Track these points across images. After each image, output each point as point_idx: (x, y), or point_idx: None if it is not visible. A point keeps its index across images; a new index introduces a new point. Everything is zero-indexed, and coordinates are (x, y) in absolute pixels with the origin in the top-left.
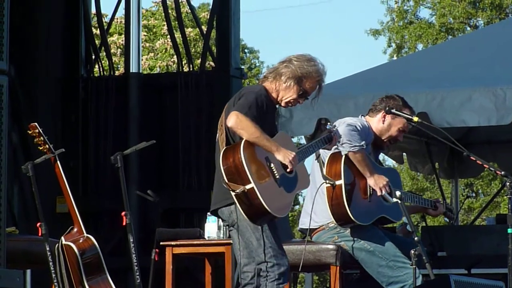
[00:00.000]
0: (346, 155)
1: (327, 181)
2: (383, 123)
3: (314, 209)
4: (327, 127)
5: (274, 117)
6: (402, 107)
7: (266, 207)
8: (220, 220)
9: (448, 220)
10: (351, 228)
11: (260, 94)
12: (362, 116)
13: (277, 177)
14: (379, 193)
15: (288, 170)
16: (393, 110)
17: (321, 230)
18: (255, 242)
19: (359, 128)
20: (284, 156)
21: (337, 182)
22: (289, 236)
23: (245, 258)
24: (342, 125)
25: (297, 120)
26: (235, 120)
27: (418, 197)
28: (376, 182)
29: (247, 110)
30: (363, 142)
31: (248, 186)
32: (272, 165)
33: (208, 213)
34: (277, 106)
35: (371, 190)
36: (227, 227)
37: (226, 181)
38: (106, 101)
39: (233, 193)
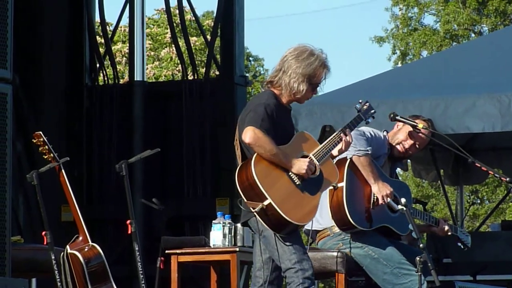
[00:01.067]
0: (351, 159)
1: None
2: (396, 129)
3: (320, 211)
4: (356, 106)
5: (289, 119)
6: (420, 121)
7: (288, 219)
8: (225, 228)
9: (462, 247)
10: (355, 235)
11: (268, 103)
12: (385, 131)
13: (298, 183)
14: (381, 201)
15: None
16: (398, 117)
17: (326, 236)
18: (280, 249)
19: (369, 135)
20: (299, 168)
21: (339, 185)
22: None
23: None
24: (354, 130)
25: (302, 128)
26: (252, 137)
27: (420, 212)
28: (379, 190)
29: (260, 123)
30: (369, 148)
31: (266, 202)
32: (291, 173)
33: (214, 221)
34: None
35: (375, 198)
36: (253, 234)
37: (245, 200)
38: (110, 109)
39: (253, 211)
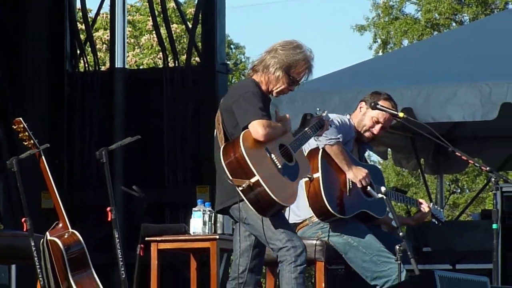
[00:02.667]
0: (324, 149)
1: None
2: (360, 112)
3: (296, 203)
4: (317, 114)
5: (268, 107)
6: (381, 99)
7: (274, 197)
8: (205, 216)
9: (437, 222)
10: (333, 223)
11: (255, 91)
12: (348, 115)
13: (279, 167)
14: (359, 185)
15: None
16: (378, 106)
17: (305, 226)
18: (268, 232)
19: (337, 123)
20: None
21: (315, 175)
22: None
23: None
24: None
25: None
26: (264, 133)
27: (401, 196)
28: (355, 175)
29: (261, 113)
30: (339, 135)
31: (253, 179)
32: (272, 155)
33: (194, 209)
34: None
35: (351, 184)
36: (234, 222)
37: (230, 177)
38: (91, 96)
39: (239, 189)
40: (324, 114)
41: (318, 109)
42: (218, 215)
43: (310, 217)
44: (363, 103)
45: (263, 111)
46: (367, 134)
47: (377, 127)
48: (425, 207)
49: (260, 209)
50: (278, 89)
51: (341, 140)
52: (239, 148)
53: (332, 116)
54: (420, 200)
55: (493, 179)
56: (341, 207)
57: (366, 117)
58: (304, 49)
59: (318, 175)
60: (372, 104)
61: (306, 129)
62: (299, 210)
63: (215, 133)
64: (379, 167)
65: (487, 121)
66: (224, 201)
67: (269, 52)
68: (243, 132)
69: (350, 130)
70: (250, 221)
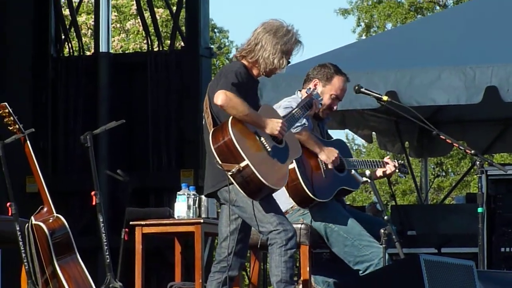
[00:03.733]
0: None
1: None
2: (314, 88)
3: (276, 195)
4: (306, 92)
5: (256, 91)
6: (334, 74)
7: (264, 181)
8: (190, 200)
9: (403, 176)
10: (313, 208)
11: (239, 71)
12: (299, 91)
13: (269, 150)
14: (331, 166)
15: (279, 139)
16: (363, 89)
17: (286, 214)
18: (259, 214)
19: (294, 107)
20: (272, 128)
21: (290, 166)
22: None
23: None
24: (279, 110)
25: (267, 100)
26: (224, 98)
27: (367, 161)
28: (327, 156)
29: (231, 87)
30: (304, 121)
31: (242, 164)
32: (262, 138)
33: (179, 193)
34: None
35: (324, 165)
36: (219, 205)
37: (220, 162)
38: (76, 81)
39: (228, 173)
40: (315, 93)
41: (309, 87)
42: (203, 198)
43: (291, 207)
44: (317, 80)
45: (235, 86)
46: (326, 111)
47: (335, 103)
48: (391, 166)
49: (250, 193)
50: (277, 71)
51: (306, 124)
52: (227, 132)
53: (287, 101)
54: (386, 160)
55: (478, 162)
56: (322, 191)
57: (325, 96)
58: (292, 31)
59: (293, 165)
60: (356, 87)
61: (295, 110)
62: (279, 202)
63: (203, 118)
64: (344, 140)
65: (471, 105)
66: (214, 184)
67: (260, 39)
68: (231, 117)
69: None
70: (241, 203)
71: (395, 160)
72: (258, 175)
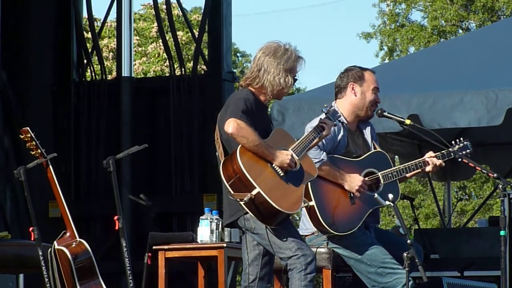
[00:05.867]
0: None
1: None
2: (356, 95)
3: (305, 216)
4: (322, 110)
5: (266, 115)
6: (362, 70)
7: (277, 206)
8: (213, 224)
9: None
10: (336, 237)
11: (247, 98)
12: (334, 102)
13: (282, 174)
14: (357, 195)
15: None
16: (385, 113)
17: (312, 235)
18: (277, 241)
19: None
20: (281, 162)
21: (310, 203)
22: None
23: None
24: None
25: (290, 124)
26: (235, 127)
27: (406, 167)
28: (351, 186)
29: (241, 114)
30: (322, 154)
31: (254, 192)
32: (274, 165)
33: (201, 217)
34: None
35: (351, 194)
36: (242, 232)
37: (232, 192)
38: (98, 105)
39: (241, 202)
40: (331, 109)
41: (325, 105)
42: None
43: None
44: (352, 83)
45: (245, 114)
46: (373, 107)
47: (377, 95)
48: (435, 160)
49: (264, 219)
50: (286, 92)
51: (325, 159)
52: (236, 162)
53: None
54: (427, 159)
55: (500, 185)
56: (348, 223)
57: (367, 93)
58: (290, 48)
59: (312, 203)
60: (379, 111)
61: (309, 132)
62: (309, 223)
63: (216, 151)
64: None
65: (493, 128)
66: (232, 214)
67: (262, 64)
68: (240, 145)
69: (337, 130)
70: (259, 230)
71: (436, 156)
72: (270, 201)
